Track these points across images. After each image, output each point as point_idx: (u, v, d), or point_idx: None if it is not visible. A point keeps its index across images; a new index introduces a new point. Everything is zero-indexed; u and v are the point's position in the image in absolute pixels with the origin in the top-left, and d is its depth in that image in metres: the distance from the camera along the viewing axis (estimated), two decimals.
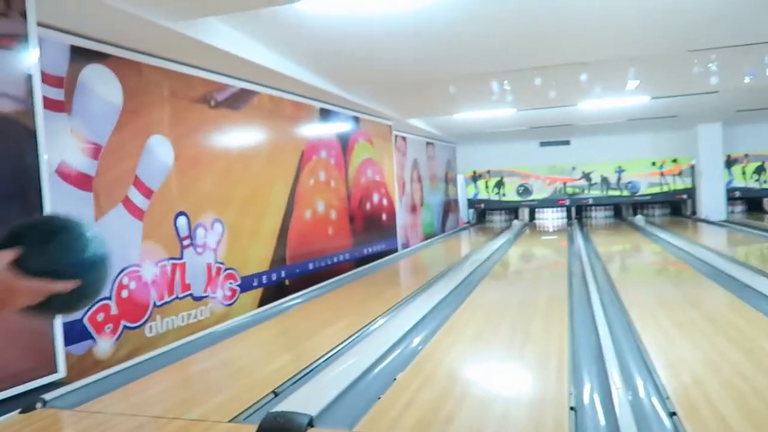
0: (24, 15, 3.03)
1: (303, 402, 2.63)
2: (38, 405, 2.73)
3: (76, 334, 3.63)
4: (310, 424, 2.39)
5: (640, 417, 2.40)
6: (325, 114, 7.15)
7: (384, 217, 8.91)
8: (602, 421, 2.44)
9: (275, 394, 2.88)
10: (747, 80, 6.12)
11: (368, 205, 8.32)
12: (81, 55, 3.78)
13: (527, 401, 2.69)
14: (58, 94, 3.59)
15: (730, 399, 2.50)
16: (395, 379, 2.97)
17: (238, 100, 5.49)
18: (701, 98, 8.59)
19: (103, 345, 3.86)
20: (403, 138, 10.50)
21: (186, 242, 4.67)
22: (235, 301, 5.23)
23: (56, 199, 3.44)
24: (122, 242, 4.06)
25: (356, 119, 8.06)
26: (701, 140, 12.52)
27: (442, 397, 2.69)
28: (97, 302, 3.80)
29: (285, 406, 2.60)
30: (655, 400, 2.60)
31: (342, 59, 5.66)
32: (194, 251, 4.77)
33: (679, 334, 3.63)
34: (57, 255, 1.05)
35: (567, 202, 13.80)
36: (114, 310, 3.94)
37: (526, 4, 4.33)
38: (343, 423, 2.44)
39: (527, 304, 4.85)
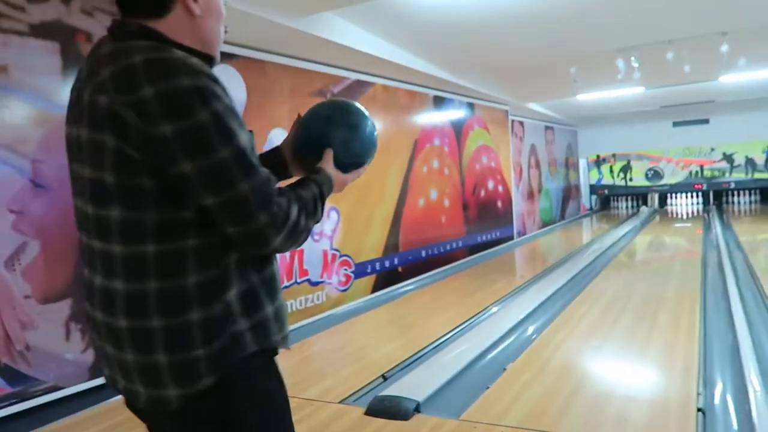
0: None
1: (411, 388, 2.67)
2: None
3: None
4: (417, 409, 2.42)
5: None
6: (438, 101, 7.11)
7: (499, 204, 8.72)
8: (735, 425, 2.24)
9: (384, 378, 2.94)
10: None
11: (483, 192, 8.19)
12: None
13: (648, 401, 2.52)
14: None
15: None
16: (505, 368, 2.92)
17: (353, 91, 5.62)
18: None
19: None
20: (521, 122, 10.18)
21: None
22: (349, 287, 5.41)
23: None
24: None
25: (471, 105, 7.94)
26: None
27: (552, 392, 2.60)
28: None
29: (394, 390, 2.67)
30: None
31: (454, 45, 5.58)
32: (311, 238, 4.98)
33: None
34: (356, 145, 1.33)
35: (704, 187, 12.62)
36: None
37: None
38: (450, 411, 2.45)
39: (653, 297, 4.52)
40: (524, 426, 2.24)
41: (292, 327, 4.20)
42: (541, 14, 4.66)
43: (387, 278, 5.90)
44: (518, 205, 9.71)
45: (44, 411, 2.73)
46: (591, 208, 13.83)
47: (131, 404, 1.10)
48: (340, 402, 2.62)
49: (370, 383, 2.88)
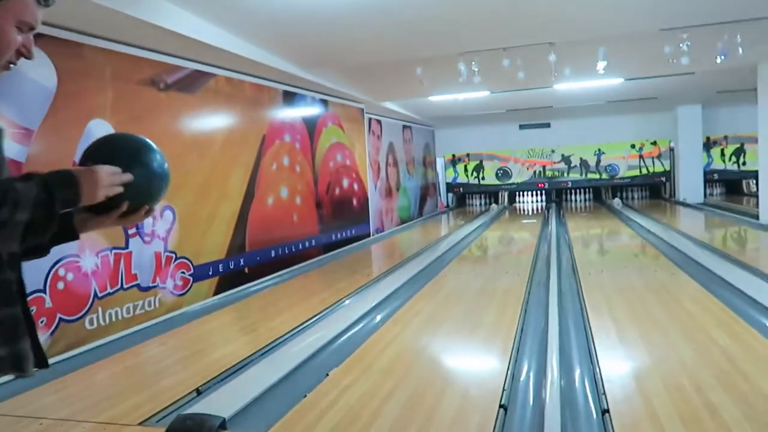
0: None
1: (223, 401, 2.50)
2: None
3: None
4: (222, 426, 2.25)
5: (571, 414, 2.29)
6: (289, 97, 6.93)
7: (355, 201, 8.74)
8: (528, 419, 2.33)
9: (198, 392, 2.73)
10: (719, 60, 5.96)
11: (337, 190, 8.14)
12: None
13: (460, 396, 2.55)
14: None
15: (668, 396, 2.38)
16: (327, 374, 2.84)
17: (192, 82, 5.26)
18: (679, 79, 8.44)
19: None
20: (378, 121, 10.30)
21: (131, 231, 4.49)
22: (187, 291, 5.07)
23: None
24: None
25: (324, 102, 7.85)
26: (681, 122, 12.42)
27: (369, 395, 2.55)
28: (29, 295, 3.63)
29: (205, 405, 2.48)
30: (589, 397, 2.49)
31: (303, 40, 5.44)
32: (141, 240, 4.59)
33: (631, 326, 3.51)
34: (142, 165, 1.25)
35: (546, 186, 13.69)
36: (48, 303, 3.77)
37: None
38: (260, 425, 2.30)
39: (486, 291, 4.73)
40: None
41: (117, 335, 3.83)
42: (389, 12, 4.65)
43: (232, 280, 5.62)
44: (375, 202, 9.81)
45: None
46: (448, 206, 14.42)
47: None
48: (139, 423, 2.37)
49: (182, 398, 2.66)
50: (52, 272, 3.78)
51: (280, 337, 3.61)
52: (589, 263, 5.81)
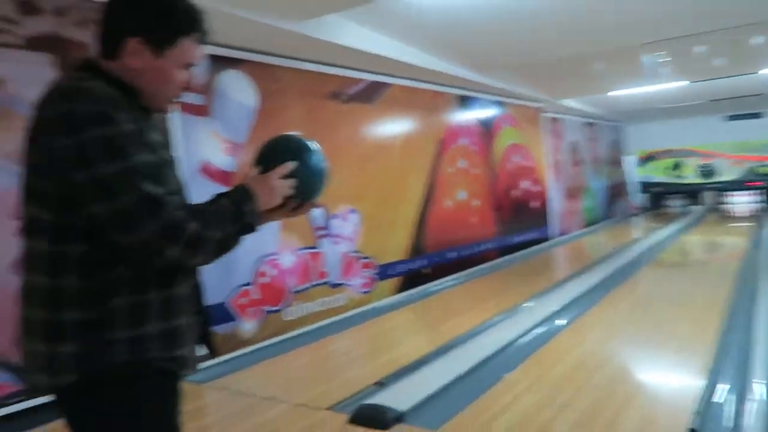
0: None
1: (403, 395, 2.63)
2: None
3: (221, 315, 4.02)
4: (400, 419, 2.38)
5: None
6: (464, 101, 7.00)
7: (534, 204, 8.51)
8: None
9: (381, 384, 2.91)
10: None
11: (516, 192, 8.01)
12: (218, 63, 4.14)
13: (644, 414, 2.38)
14: (199, 99, 3.98)
15: None
16: (501, 377, 2.84)
17: (370, 93, 5.60)
18: None
19: (246, 326, 4.22)
20: (558, 120, 9.90)
21: (321, 232, 4.92)
22: (372, 289, 5.39)
23: (199, 196, 3.82)
24: (260, 233, 4.37)
25: (500, 104, 7.78)
26: None
27: (543, 403, 2.50)
28: (239, 288, 4.17)
29: (387, 396, 2.64)
30: None
31: (473, 44, 5.46)
32: (330, 241, 5.00)
33: None
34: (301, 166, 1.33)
35: (764, 184, 11.90)
36: (256, 295, 4.29)
37: None
38: (435, 421, 2.39)
39: (679, 300, 4.30)
40: None
41: (310, 327, 4.25)
42: (560, 8, 4.50)
43: (413, 280, 5.85)
44: (557, 204, 9.44)
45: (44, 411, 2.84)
46: (641, 207, 13.32)
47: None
48: (328, 408, 2.61)
49: (364, 389, 2.86)
50: (257, 268, 4.29)
51: (457, 337, 3.68)
52: None
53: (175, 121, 3.66)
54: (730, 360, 2.97)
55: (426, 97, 6.33)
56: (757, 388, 2.52)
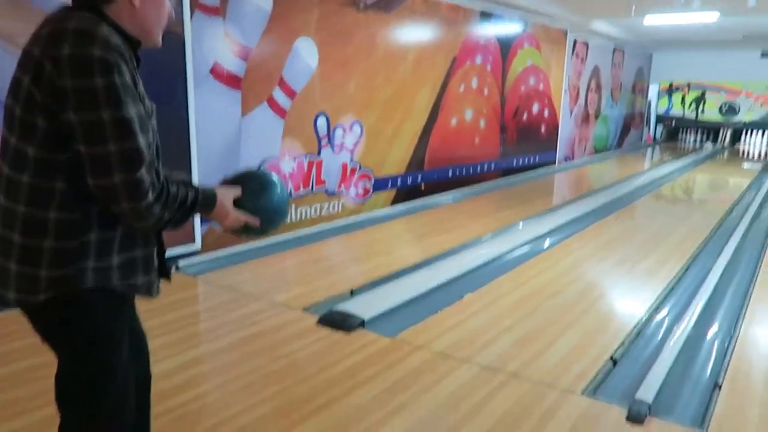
0: None
1: (368, 304, 2.94)
2: (173, 269, 3.42)
3: None
4: (362, 325, 2.70)
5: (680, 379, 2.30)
6: (485, 17, 6.86)
7: (543, 128, 8.53)
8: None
9: (352, 293, 3.22)
10: None
11: (525, 115, 8.01)
12: None
13: (573, 345, 2.67)
14: (214, 0, 4.03)
15: None
16: (461, 297, 3.14)
17: (390, 1, 5.53)
18: None
19: None
20: (585, 43, 9.64)
21: (324, 141, 5.09)
22: (367, 199, 5.64)
23: (208, 97, 3.99)
24: (264, 137, 4.59)
25: (524, 22, 7.60)
26: None
27: (491, 323, 2.80)
28: None
29: (355, 304, 2.94)
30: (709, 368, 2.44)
31: None
32: (331, 150, 5.19)
33: None
34: (261, 201, 1.47)
35: None
36: None
37: None
38: (392, 330, 2.70)
39: (657, 237, 4.52)
40: (448, 352, 2.48)
41: (304, 231, 4.53)
42: None
43: (408, 194, 6.08)
44: (568, 130, 9.44)
45: None
46: (655, 139, 13.20)
47: None
48: (303, 310, 2.93)
49: (339, 294, 3.17)
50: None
51: (441, 253, 3.96)
52: None
53: (189, 20, 3.74)
54: (675, 298, 3.24)
55: (445, 9, 6.23)
56: (684, 322, 2.81)
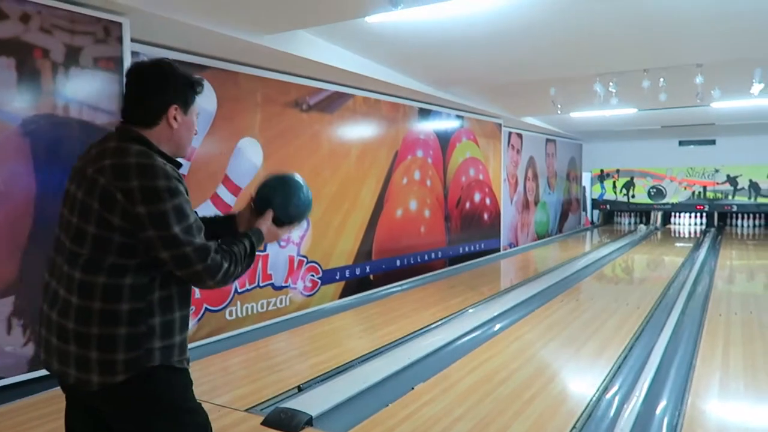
0: (120, 40, 3.52)
1: (317, 400, 2.84)
2: None
3: None
4: (309, 423, 2.59)
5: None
6: (424, 113, 7.25)
7: (486, 216, 8.82)
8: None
9: (299, 389, 3.11)
10: None
11: (468, 204, 8.30)
12: (183, 68, 4.26)
13: (525, 428, 2.64)
14: None
15: None
16: (413, 388, 3.08)
17: (331, 103, 5.79)
18: None
19: None
20: (519, 135, 10.24)
21: None
22: (315, 292, 5.59)
23: None
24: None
25: (460, 117, 8.05)
26: None
27: (444, 412, 2.74)
28: None
29: (303, 401, 2.84)
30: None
31: (436, 63, 5.65)
32: (278, 244, 5.18)
33: (740, 372, 3.28)
34: (292, 210, 1.83)
35: (706, 208, 12.53)
36: (197, 294, 4.45)
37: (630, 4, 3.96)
38: (341, 426, 2.61)
39: (601, 318, 4.62)
40: None
41: (251, 327, 4.41)
42: (523, 36, 4.68)
43: (357, 286, 6.07)
44: (510, 217, 9.78)
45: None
46: (593, 223, 13.82)
47: (61, 383, 1.56)
48: (246, 410, 2.80)
49: (285, 392, 3.06)
50: None
51: (391, 342, 3.92)
52: (727, 300, 5.36)
53: None
54: (622, 377, 3.28)
55: (385, 108, 6.55)
56: (633, 400, 2.83)
